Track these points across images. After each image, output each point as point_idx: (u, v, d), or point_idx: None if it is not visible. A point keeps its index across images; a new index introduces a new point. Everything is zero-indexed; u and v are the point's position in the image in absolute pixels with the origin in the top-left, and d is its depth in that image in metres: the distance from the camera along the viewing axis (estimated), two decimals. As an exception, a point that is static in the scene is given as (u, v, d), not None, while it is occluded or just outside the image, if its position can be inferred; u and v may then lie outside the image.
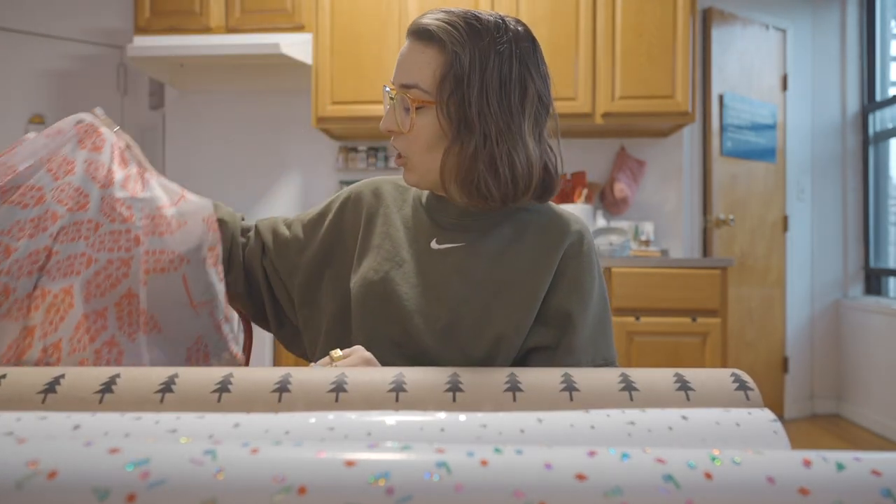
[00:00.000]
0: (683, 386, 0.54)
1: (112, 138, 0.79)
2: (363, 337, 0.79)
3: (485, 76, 0.73)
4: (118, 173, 0.76)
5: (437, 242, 0.82)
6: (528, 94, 0.76)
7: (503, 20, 0.76)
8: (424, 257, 0.81)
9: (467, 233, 0.81)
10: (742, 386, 0.54)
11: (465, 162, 0.75)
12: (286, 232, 0.91)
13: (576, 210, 2.67)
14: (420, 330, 0.77)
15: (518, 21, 0.78)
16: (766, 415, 0.48)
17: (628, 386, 0.55)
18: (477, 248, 0.80)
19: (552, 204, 0.86)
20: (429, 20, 0.76)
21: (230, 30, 2.68)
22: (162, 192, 0.81)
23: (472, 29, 0.74)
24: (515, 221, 0.82)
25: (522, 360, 0.79)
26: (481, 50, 0.74)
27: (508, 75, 0.74)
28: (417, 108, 0.76)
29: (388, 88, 0.80)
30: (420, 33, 0.76)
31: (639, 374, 0.57)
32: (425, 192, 0.88)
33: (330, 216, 0.90)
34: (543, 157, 0.79)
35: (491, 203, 0.77)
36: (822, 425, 3.09)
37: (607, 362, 0.80)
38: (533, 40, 0.78)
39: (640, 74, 2.53)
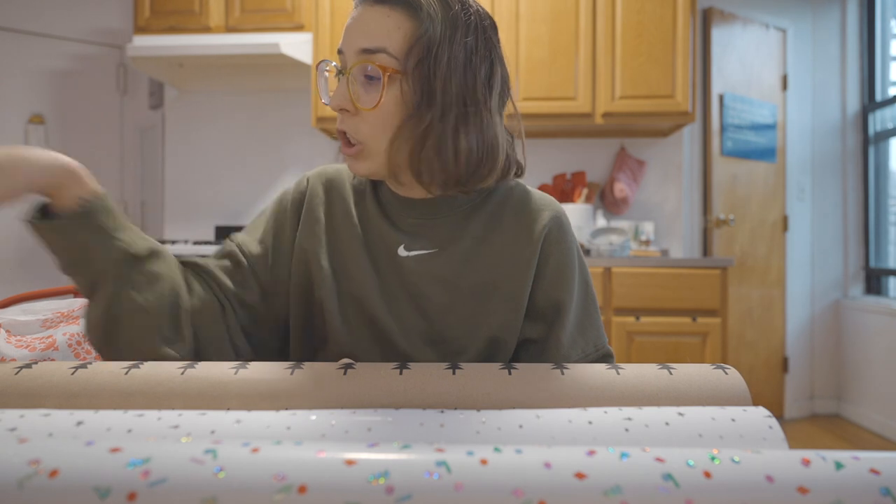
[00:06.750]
0: (665, 367, 0.56)
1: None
2: (345, 350, 0.74)
3: (453, 47, 0.67)
4: None
5: (406, 249, 0.75)
6: (496, 72, 0.70)
7: None
8: (392, 267, 0.75)
9: (437, 234, 0.75)
10: (719, 367, 0.57)
11: (418, 140, 0.67)
12: (245, 259, 0.77)
13: (576, 210, 2.67)
14: (405, 344, 0.73)
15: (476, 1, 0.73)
16: (761, 411, 0.49)
17: (614, 367, 0.56)
18: (451, 252, 0.74)
19: (522, 184, 0.80)
20: None
21: (230, 29, 2.68)
22: None
23: None
24: (485, 211, 0.76)
25: (513, 355, 0.76)
26: (452, 18, 0.67)
27: (474, 49, 0.68)
28: (389, 78, 0.67)
29: (331, 62, 0.72)
30: None
31: (627, 367, 0.58)
32: (381, 186, 0.80)
33: (283, 221, 0.81)
34: (508, 139, 0.74)
35: (443, 188, 0.70)
36: (822, 425, 3.09)
37: (598, 349, 0.77)
38: (494, 21, 0.73)
39: (640, 74, 2.53)
